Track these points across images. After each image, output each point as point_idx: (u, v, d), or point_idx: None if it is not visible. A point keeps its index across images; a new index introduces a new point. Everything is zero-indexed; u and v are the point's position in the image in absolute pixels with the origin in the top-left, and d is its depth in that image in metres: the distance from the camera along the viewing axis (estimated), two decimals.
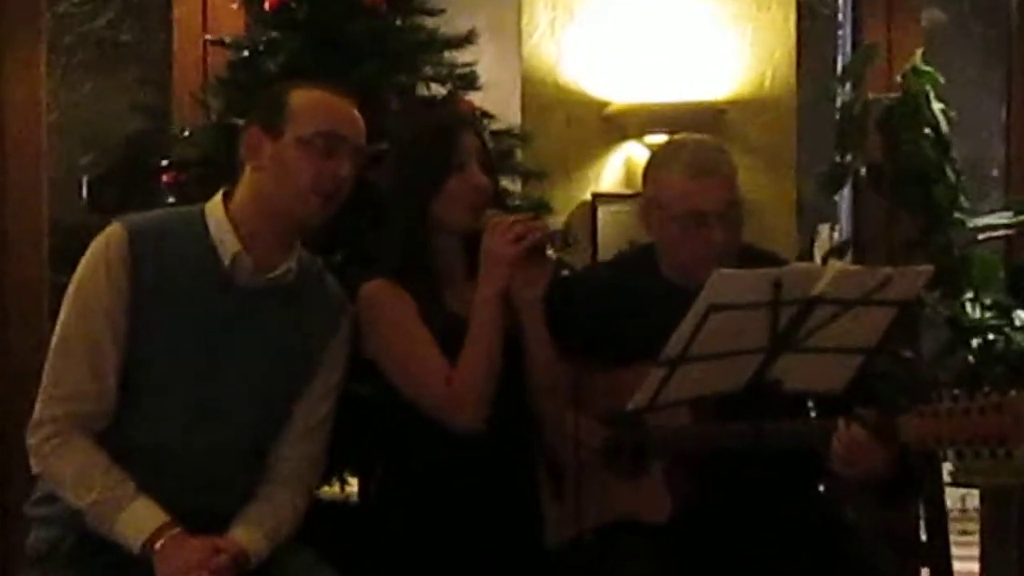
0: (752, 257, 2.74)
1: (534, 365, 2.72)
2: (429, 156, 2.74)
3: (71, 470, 2.49)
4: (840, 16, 5.16)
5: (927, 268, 2.50)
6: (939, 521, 3.30)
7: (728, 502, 2.65)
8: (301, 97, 2.61)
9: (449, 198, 2.72)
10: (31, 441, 2.53)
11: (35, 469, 2.55)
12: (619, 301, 2.83)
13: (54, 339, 2.56)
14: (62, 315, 2.56)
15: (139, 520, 2.45)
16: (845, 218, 5.14)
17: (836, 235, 5.10)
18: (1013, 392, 2.33)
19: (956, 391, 2.38)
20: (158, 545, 2.43)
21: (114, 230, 2.55)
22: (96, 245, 2.56)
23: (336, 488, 3.26)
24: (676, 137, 2.91)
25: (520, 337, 2.71)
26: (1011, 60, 5.24)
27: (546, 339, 2.71)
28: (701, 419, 2.61)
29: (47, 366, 2.55)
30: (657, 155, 2.91)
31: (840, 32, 5.17)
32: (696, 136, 2.91)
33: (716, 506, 2.64)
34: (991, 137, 5.52)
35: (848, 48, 5.10)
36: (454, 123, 2.85)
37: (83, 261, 2.56)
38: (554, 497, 2.77)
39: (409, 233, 2.75)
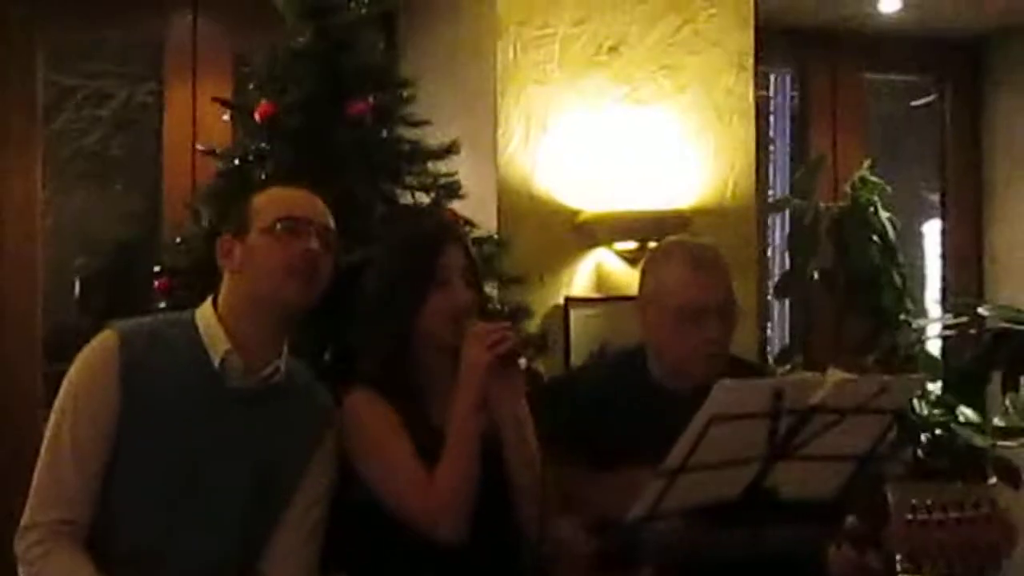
0: (739, 366, 2.63)
1: (515, 473, 2.54)
2: (414, 269, 2.59)
3: None
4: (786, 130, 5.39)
5: (920, 376, 2.65)
6: None
7: None
8: (260, 197, 2.60)
9: (431, 312, 2.56)
10: (19, 547, 2.39)
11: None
12: (608, 405, 2.67)
13: (44, 444, 2.43)
14: (52, 420, 2.44)
15: None
16: (777, 319, 5.24)
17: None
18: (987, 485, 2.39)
19: (929, 501, 2.24)
20: None
21: (107, 336, 2.46)
22: (88, 351, 2.46)
23: None
24: (671, 238, 2.81)
25: (501, 446, 2.53)
26: (945, 174, 5.54)
27: (527, 446, 2.53)
28: (693, 524, 2.41)
29: (37, 471, 2.43)
30: (655, 254, 2.78)
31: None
32: (691, 237, 2.84)
33: None
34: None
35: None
36: (441, 236, 2.67)
37: (74, 366, 2.46)
38: None
39: (392, 345, 2.60)
